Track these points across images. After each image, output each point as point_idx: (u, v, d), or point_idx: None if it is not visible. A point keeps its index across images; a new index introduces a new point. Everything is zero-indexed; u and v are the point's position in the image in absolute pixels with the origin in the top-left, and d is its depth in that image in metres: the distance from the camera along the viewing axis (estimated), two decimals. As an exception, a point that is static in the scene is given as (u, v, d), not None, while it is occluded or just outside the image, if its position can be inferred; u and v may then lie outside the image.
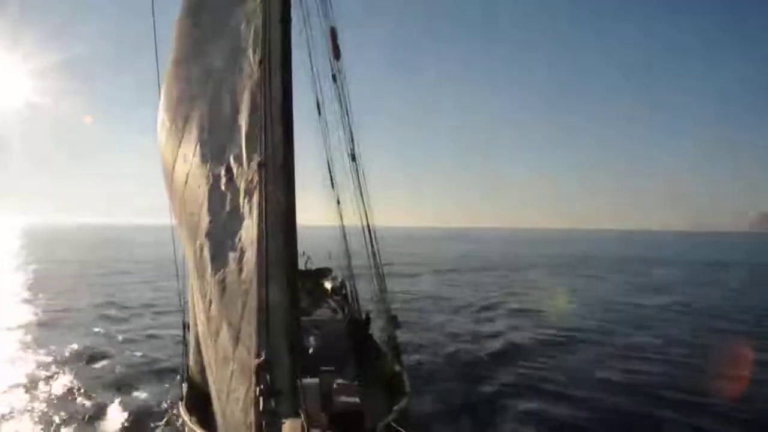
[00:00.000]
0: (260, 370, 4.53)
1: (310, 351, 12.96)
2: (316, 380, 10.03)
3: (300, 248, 12.03)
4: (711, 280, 58.79)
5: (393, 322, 14.09)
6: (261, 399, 4.34)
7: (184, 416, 10.22)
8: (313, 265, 23.76)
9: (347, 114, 12.88)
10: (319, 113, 13.92)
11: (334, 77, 12.63)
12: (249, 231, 6.54)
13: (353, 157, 13.18)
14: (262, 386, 4.39)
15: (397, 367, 12.92)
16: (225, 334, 6.75)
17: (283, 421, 6.65)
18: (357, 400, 9.93)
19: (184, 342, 12.53)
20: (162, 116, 9.61)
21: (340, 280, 21.15)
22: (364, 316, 16.80)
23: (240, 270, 6.62)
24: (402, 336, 15.11)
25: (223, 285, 6.91)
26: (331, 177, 14.91)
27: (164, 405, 15.54)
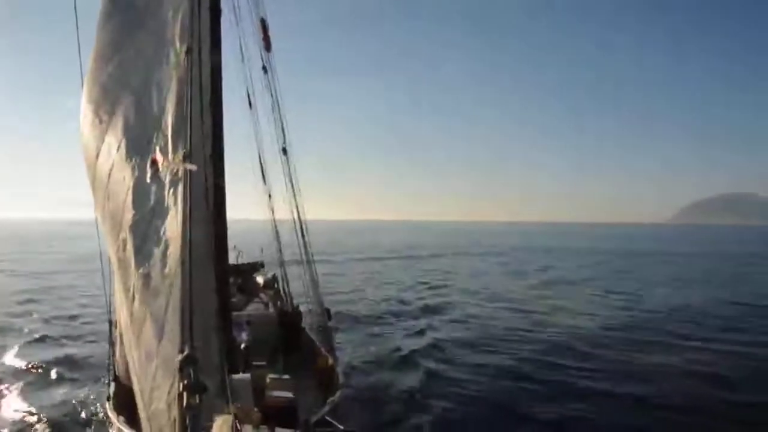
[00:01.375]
0: (184, 365, 4.47)
1: (242, 346, 12.82)
2: (247, 375, 9.94)
3: (231, 242, 11.86)
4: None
5: (326, 315, 14.09)
6: (185, 394, 4.27)
7: (112, 416, 9.94)
8: (245, 260, 23.49)
9: (278, 106, 12.77)
10: (250, 105, 13.77)
11: (264, 69, 12.51)
12: (173, 224, 6.41)
13: (284, 150, 13.08)
14: (185, 382, 4.32)
15: (330, 361, 12.93)
16: (149, 329, 6.61)
17: (214, 417, 6.57)
18: (290, 394, 9.92)
19: (111, 340, 12.18)
20: (85, 108, 9.26)
21: (272, 274, 21.00)
22: (296, 309, 16.73)
23: (164, 264, 6.48)
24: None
25: (147, 279, 6.75)
26: (262, 170, 14.79)
27: (92, 406, 15.02)
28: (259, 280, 22.08)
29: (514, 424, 14.69)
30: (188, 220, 5.25)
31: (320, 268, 15.08)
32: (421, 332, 25.82)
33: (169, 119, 7.22)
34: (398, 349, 22.03)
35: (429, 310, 32.25)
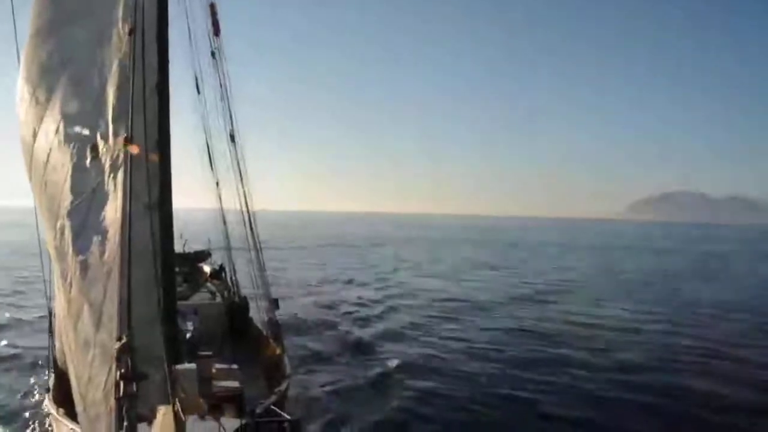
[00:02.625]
0: (121, 354, 4.38)
1: (188, 336, 12.66)
2: (193, 365, 9.84)
3: (178, 231, 11.65)
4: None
5: (273, 304, 14.01)
6: (122, 383, 4.19)
7: (51, 409, 9.69)
8: (192, 249, 23.16)
9: (227, 93, 12.58)
10: (198, 91, 13.52)
11: (213, 54, 12.29)
12: (113, 211, 6.25)
13: (232, 137, 12.89)
14: (122, 370, 4.24)
15: (278, 350, 12.88)
16: (86, 317, 6.43)
17: (158, 408, 6.46)
18: (237, 384, 9.86)
19: (50, 330, 11.84)
20: (22, 89, 8.90)
21: (219, 263, 20.79)
22: (243, 299, 16.60)
23: (103, 251, 6.31)
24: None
25: (85, 266, 6.56)
26: (210, 158, 14.54)
27: (33, 399, 14.56)
28: (206, 269, 21.84)
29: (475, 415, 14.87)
30: (128, 206, 5.12)
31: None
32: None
33: (110, 102, 7.01)
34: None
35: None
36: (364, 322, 26.05)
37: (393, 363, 18.70)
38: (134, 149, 5.82)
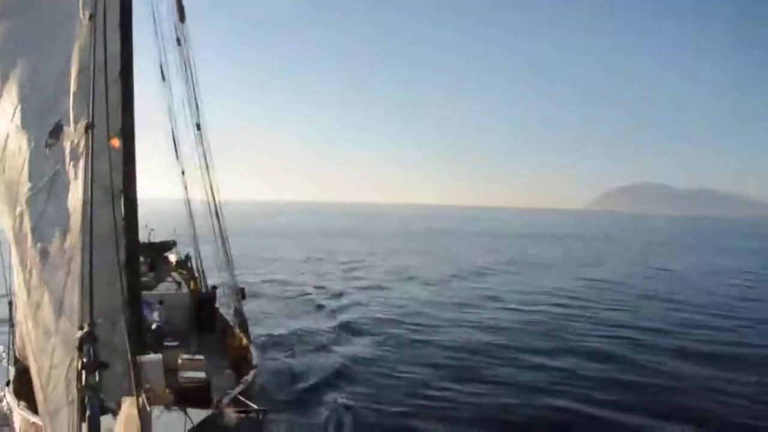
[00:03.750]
0: (83, 343, 4.30)
1: (154, 326, 12.55)
2: (159, 356, 9.78)
3: (142, 220, 11.51)
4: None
5: (239, 294, 13.93)
6: (83, 373, 4.12)
7: (11, 402, 9.52)
8: (157, 239, 22.88)
9: (192, 80, 12.39)
10: (163, 78, 13.32)
11: (178, 41, 12.10)
12: (74, 198, 6.12)
13: (198, 126, 12.72)
14: (84, 360, 4.16)
15: (245, 340, 12.84)
16: (47, 305, 6.31)
17: (123, 399, 6.39)
18: (203, 374, 9.86)
19: (11, 321, 11.59)
20: None
21: (185, 253, 20.59)
22: (209, 289, 16.47)
23: (63, 239, 6.19)
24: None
25: (45, 255, 6.43)
26: (175, 146, 14.36)
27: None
28: (172, 259, 21.62)
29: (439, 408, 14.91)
30: (89, 193, 5.01)
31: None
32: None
33: (71, 87, 6.84)
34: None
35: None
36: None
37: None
38: (94, 135, 5.70)
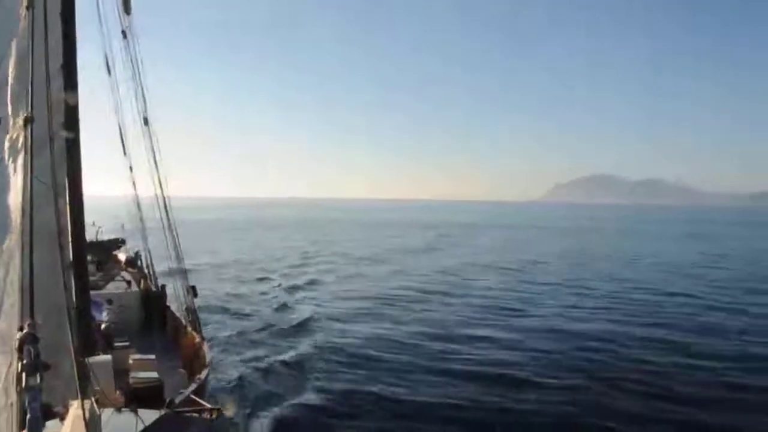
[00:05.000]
0: (23, 344, 4.17)
1: (103, 326, 12.29)
2: (108, 357, 9.60)
3: (89, 218, 11.23)
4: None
5: (191, 292, 13.72)
6: (24, 375, 4.00)
7: None
8: (105, 237, 22.41)
9: (139, 74, 12.10)
10: (109, 72, 12.94)
11: (124, 33, 11.78)
12: (15, 196, 5.90)
13: (146, 121, 12.44)
14: (25, 361, 4.03)
15: (197, 338, 12.66)
16: (-17, 307, 6.09)
17: (70, 402, 6.21)
18: (155, 374, 9.71)
19: None
20: None
21: (135, 251, 20.22)
22: (160, 287, 16.21)
23: (3, 237, 5.98)
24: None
25: (-16, 255, 6.20)
26: (122, 142, 13.98)
27: None
28: (121, 257, 21.24)
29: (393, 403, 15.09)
30: (29, 190, 4.85)
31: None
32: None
33: (8, 80, 6.59)
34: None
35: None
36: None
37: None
38: (39, 131, 5.52)
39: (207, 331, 16.30)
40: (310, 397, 14.36)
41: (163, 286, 16.04)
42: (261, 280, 35.31)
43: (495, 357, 18.31)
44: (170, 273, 14.31)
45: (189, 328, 13.22)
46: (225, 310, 24.06)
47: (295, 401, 14.07)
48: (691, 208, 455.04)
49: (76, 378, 5.67)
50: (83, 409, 5.77)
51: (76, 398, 6.14)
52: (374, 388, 15.08)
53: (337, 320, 23.41)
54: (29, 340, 4.17)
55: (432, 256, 53.08)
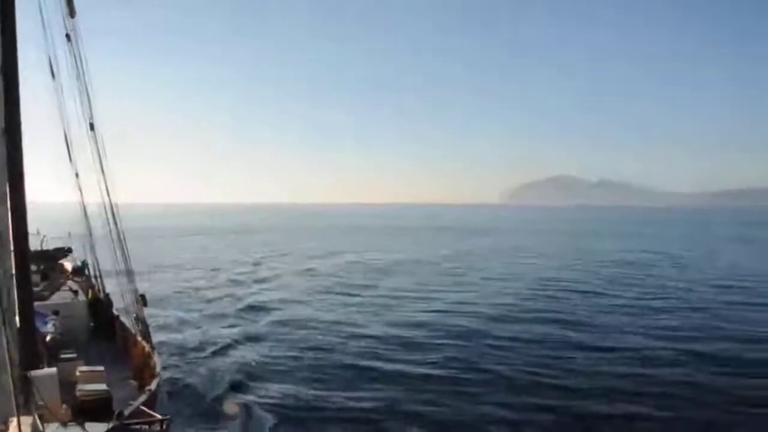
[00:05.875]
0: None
1: (48, 338, 11.95)
2: (53, 370, 9.36)
3: (33, 226, 10.93)
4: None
5: (140, 301, 13.43)
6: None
7: None
8: (50, 245, 21.79)
9: (84, 78, 11.78)
10: (53, 76, 12.58)
11: (68, 36, 11.47)
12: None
13: (92, 126, 12.12)
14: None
15: (147, 348, 12.41)
16: None
17: (11, 419, 6.04)
18: (103, 386, 9.52)
19: None
20: None
21: (82, 260, 19.70)
22: (108, 297, 15.85)
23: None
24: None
25: None
26: (68, 148, 13.59)
27: None
28: (68, 266, 20.68)
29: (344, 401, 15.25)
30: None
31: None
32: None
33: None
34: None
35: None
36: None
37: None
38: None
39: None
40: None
41: (107, 295, 15.73)
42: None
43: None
44: (119, 281, 13.95)
45: (139, 338, 12.95)
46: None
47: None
48: (645, 208, 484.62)
49: (12, 393, 5.49)
50: (26, 426, 5.62)
51: (19, 413, 5.98)
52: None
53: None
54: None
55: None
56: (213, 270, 43.78)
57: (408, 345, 20.58)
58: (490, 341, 21.07)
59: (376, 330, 22.94)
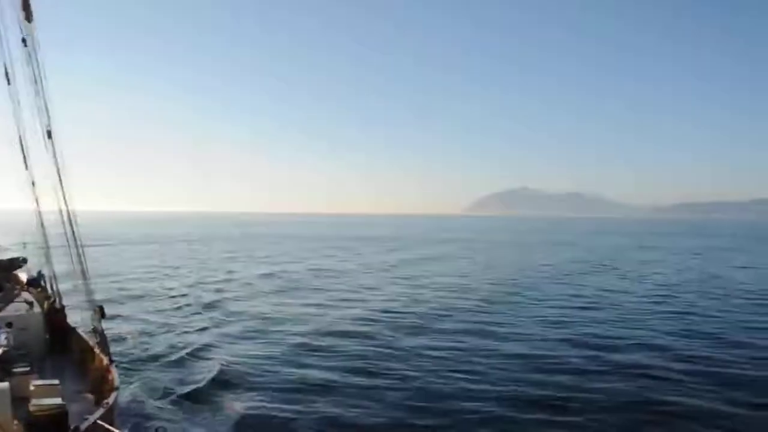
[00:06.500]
0: None
1: (0, 351, 11.60)
2: (5, 384, 9.11)
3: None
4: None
5: (98, 312, 13.15)
6: None
7: None
8: (5, 255, 21.20)
9: (41, 84, 11.55)
10: (9, 82, 12.32)
11: (24, 41, 11.24)
12: None
13: (49, 134, 11.86)
14: None
15: (105, 361, 12.14)
16: None
17: None
18: (59, 400, 9.27)
19: None
20: None
21: (37, 270, 19.20)
22: (64, 308, 15.46)
23: None
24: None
25: None
26: (24, 155, 13.29)
27: None
28: (23, 277, 20.12)
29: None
30: None
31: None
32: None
33: None
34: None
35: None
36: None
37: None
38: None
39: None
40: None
41: (64, 307, 15.39)
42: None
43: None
44: (77, 293, 13.63)
45: (97, 350, 12.66)
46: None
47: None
48: (602, 220, 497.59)
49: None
50: None
51: None
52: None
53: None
54: None
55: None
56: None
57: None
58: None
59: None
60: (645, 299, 34.76)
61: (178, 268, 51.88)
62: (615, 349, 21.52)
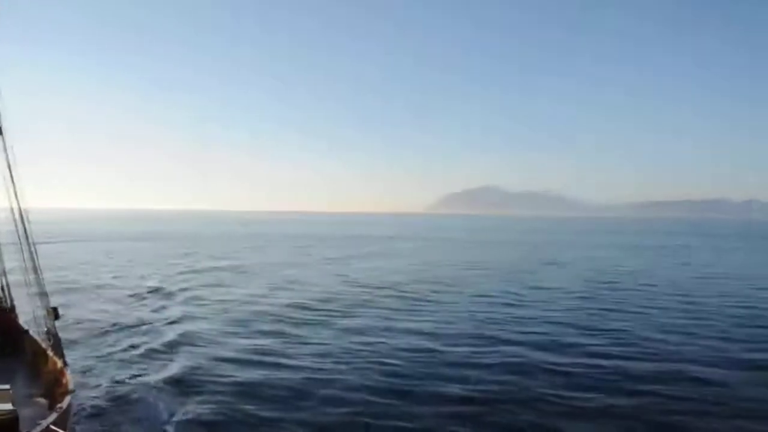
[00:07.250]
0: None
1: None
2: None
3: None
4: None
5: (51, 313, 12.81)
6: None
7: None
8: None
9: None
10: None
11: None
12: None
13: (0, 130, 11.54)
14: None
15: (59, 364, 11.86)
16: None
17: None
18: (9, 405, 9.05)
19: None
20: None
21: None
22: (14, 309, 15.05)
23: None
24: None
25: None
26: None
27: None
28: None
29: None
30: None
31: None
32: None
33: None
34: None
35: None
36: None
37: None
38: None
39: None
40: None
41: (14, 307, 14.97)
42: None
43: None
44: (29, 293, 13.26)
45: (50, 353, 12.34)
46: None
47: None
48: (563, 219, 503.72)
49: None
50: None
51: None
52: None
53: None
54: None
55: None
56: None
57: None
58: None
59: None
60: (564, 296, 35.15)
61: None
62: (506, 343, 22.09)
